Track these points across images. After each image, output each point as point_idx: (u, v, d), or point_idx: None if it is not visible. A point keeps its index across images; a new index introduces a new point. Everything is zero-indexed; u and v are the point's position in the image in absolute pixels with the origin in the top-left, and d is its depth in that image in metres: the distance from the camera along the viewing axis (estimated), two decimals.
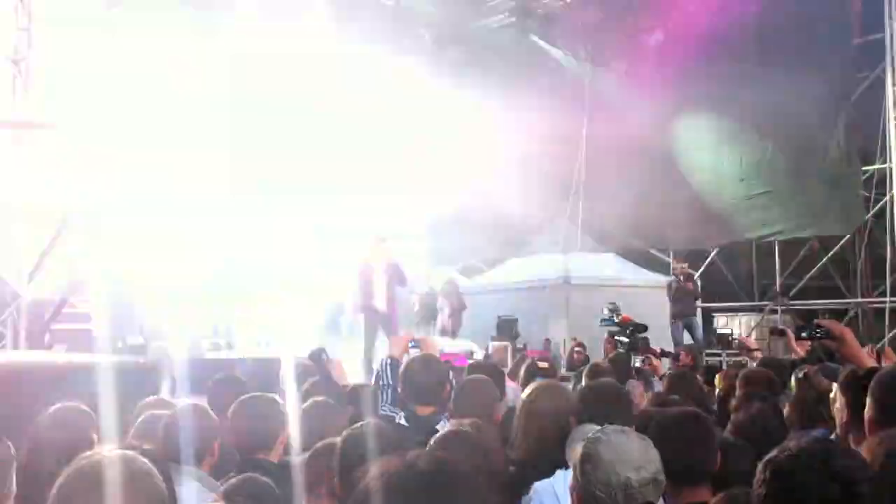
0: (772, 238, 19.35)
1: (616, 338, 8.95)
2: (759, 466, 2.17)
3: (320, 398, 4.84)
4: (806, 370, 4.86)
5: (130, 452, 2.32)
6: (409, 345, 5.60)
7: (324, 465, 3.40)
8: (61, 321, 11.22)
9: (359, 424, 3.51)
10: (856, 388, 3.53)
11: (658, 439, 3.19)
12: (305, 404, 4.73)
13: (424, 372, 4.64)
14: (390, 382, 4.99)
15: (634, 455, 2.69)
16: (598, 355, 12.36)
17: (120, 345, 12.11)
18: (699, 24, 18.69)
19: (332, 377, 5.72)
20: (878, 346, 9.14)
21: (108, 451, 2.36)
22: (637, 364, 6.79)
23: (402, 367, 4.92)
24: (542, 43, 20.15)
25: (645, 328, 9.53)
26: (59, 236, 7.06)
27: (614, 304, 10.73)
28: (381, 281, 12.20)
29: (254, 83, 15.94)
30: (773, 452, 2.23)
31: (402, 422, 4.56)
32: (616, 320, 9.61)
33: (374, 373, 5.30)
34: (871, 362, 3.76)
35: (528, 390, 4.36)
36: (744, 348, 8.01)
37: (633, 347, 8.49)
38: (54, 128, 12.10)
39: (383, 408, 4.83)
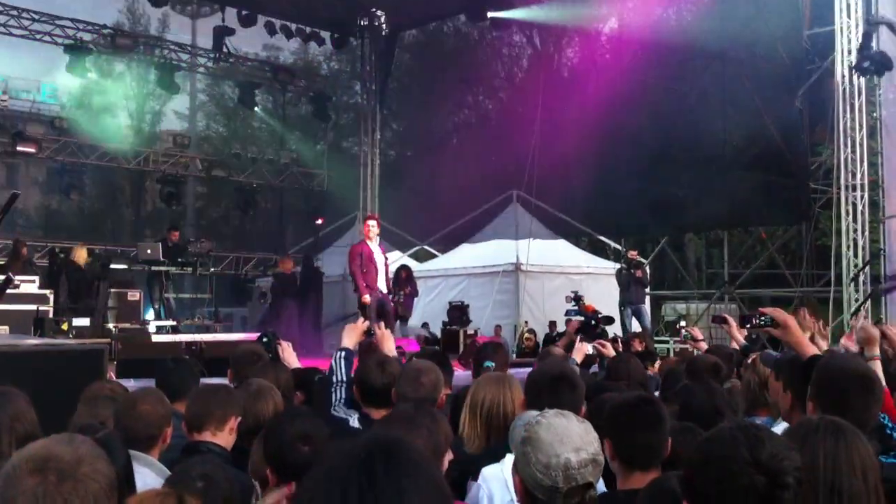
0: (720, 228, 19.66)
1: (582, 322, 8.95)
2: (689, 453, 2.15)
3: (268, 383, 4.75)
4: (754, 357, 4.92)
5: (80, 435, 2.28)
6: (366, 334, 5.36)
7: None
8: (5, 302, 11.02)
9: (285, 412, 3.44)
10: (798, 375, 3.61)
11: (613, 423, 3.22)
12: (253, 388, 4.63)
13: (378, 373, 4.38)
14: (343, 378, 4.74)
15: (574, 437, 2.71)
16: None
17: (66, 327, 11.98)
18: (653, 13, 18.86)
19: (281, 360, 5.66)
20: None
21: (60, 434, 2.32)
22: (589, 350, 6.82)
23: (355, 366, 4.68)
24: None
25: (612, 320, 9.60)
26: (6, 212, 6.91)
27: (576, 292, 10.78)
28: (380, 262, 11.97)
29: None
30: (701, 439, 2.22)
31: (356, 424, 4.35)
32: (580, 308, 9.65)
33: (329, 367, 4.97)
34: (813, 350, 3.82)
35: (476, 379, 4.31)
36: (691, 339, 8.08)
37: (597, 337, 8.51)
38: (5, 104, 11.90)
39: (336, 409, 4.58)
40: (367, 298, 11.60)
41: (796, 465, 2.04)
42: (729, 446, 2.05)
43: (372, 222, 12.21)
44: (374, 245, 11.98)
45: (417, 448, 1.75)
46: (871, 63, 14.37)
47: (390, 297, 12.62)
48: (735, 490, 2.00)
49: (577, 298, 10.35)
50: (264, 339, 6.30)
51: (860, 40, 14.62)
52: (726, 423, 2.17)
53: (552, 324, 17.04)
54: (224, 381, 5.51)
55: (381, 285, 11.93)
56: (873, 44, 14.48)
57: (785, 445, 2.09)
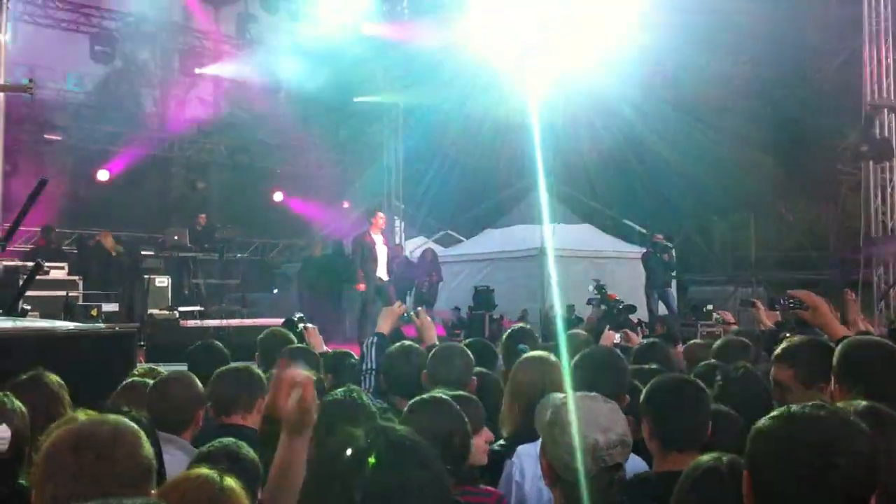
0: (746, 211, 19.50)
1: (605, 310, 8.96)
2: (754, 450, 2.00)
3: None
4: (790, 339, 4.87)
5: (118, 416, 2.32)
6: (403, 318, 5.22)
7: None
8: (36, 288, 11.12)
9: (337, 392, 3.40)
10: (807, 360, 3.58)
11: (653, 404, 3.21)
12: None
13: (405, 362, 4.32)
14: (374, 366, 4.61)
15: (601, 418, 2.71)
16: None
17: (95, 312, 12.08)
18: None
19: (308, 344, 5.64)
20: None
21: (97, 414, 2.36)
22: (617, 339, 6.85)
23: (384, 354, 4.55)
24: None
25: (634, 309, 9.61)
26: (35, 200, 6.94)
27: (599, 280, 10.79)
28: (382, 252, 12.68)
29: None
30: (769, 437, 1.98)
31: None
32: (602, 297, 9.68)
33: (361, 353, 4.87)
34: (843, 332, 3.79)
35: (518, 360, 4.25)
36: (722, 322, 8.06)
37: (621, 326, 8.53)
38: (32, 90, 12.03)
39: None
40: (361, 286, 12.48)
41: (864, 460, 1.88)
42: (799, 452, 1.90)
43: (381, 214, 13.13)
44: (377, 237, 12.72)
45: (416, 439, 1.74)
46: (870, 148, 14.13)
47: (390, 285, 13.26)
48: (797, 482, 1.89)
49: (600, 287, 10.36)
50: (295, 321, 6.30)
51: (862, 122, 14.38)
52: (794, 414, 1.99)
53: (570, 308, 17.01)
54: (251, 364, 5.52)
55: (382, 274, 12.69)
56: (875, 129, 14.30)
57: (856, 437, 1.90)
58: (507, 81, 18.56)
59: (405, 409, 3.30)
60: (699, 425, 3.16)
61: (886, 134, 14.91)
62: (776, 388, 3.67)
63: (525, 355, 4.36)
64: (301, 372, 2.25)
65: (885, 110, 14.66)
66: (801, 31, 17.29)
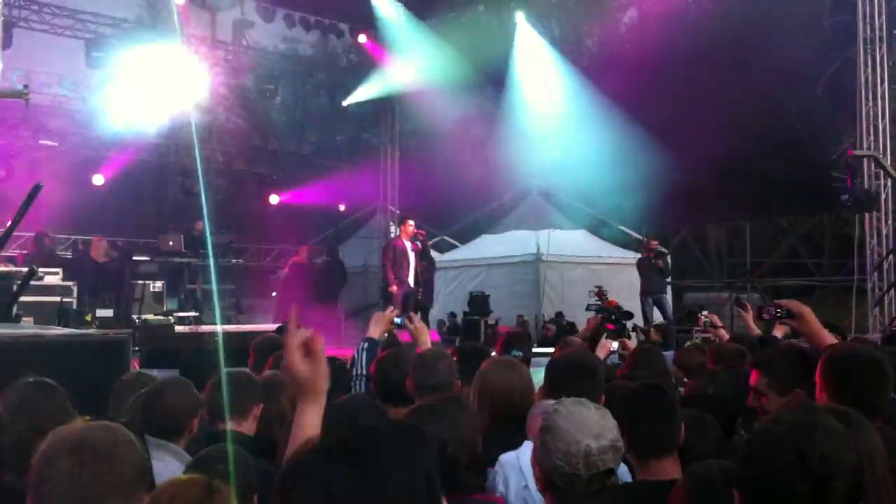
0: (741, 218, 19.53)
1: (603, 317, 8.91)
2: (741, 451, 1.99)
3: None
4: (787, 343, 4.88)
5: (112, 423, 2.35)
6: (394, 323, 5.14)
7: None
8: (30, 294, 11.11)
9: (344, 399, 3.36)
10: (784, 369, 3.58)
11: (623, 411, 3.21)
12: (268, 376, 4.59)
13: (396, 370, 4.23)
14: (364, 372, 4.53)
15: (592, 424, 2.73)
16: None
17: (90, 318, 12.07)
18: (673, 3, 18.73)
19: None
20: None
21: (90, 421, 2.38)
22: (614, 347, 6.86)
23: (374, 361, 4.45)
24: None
25: (631, 315, 9.62)
26: (30, 205, 6.95)
27: (600, 287, 10.79)
28: (412, 259, 12.80)
29: None
30: (751, 435, 2.03)
31: None
32: (603, 303, 9.66)
33: (351, 358, 4.79)
34: (831, 340, 3.79)
35: (485, 365, 4.17)
36: (711, 326, 8.07)
37: (620, 334, 8.52)
38: (28, 96, 12.05)
39: None
40: (394, 288, 12.45)
41: (848, 469, 1.87)
42: (775, 448, 1.90)
43: (411, 221, 13.14)
44: (408, 242, 12.83)
45: (397, 433, 1.66)
46: (850, 198, 14.14)
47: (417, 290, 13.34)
48: (780, 493, 1.87)
49: (601, 294, 10.38)
50: (283, 330, 6.30)
51: (848, 171, 14.37)
52: (781, 416, 1.99)
53: (559, 314, 17.05)
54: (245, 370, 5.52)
55: (411, 280, 12.77)
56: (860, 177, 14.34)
57: (841, 446, 1.90)
58: (501, 85, 18.60)
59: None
60: (671, 431, 3.17)
61: (869, 180, 14.92)
62: (752, 396, 3.68)
63: (492, 359, 4.33)
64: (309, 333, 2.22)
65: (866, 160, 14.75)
66: (795, 36, 17.32)
